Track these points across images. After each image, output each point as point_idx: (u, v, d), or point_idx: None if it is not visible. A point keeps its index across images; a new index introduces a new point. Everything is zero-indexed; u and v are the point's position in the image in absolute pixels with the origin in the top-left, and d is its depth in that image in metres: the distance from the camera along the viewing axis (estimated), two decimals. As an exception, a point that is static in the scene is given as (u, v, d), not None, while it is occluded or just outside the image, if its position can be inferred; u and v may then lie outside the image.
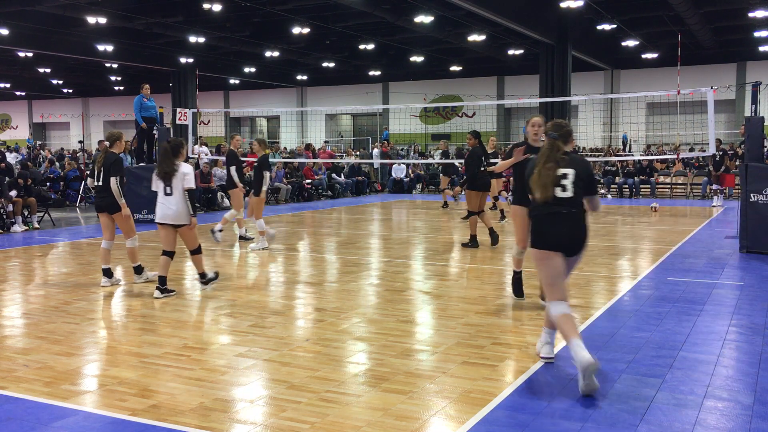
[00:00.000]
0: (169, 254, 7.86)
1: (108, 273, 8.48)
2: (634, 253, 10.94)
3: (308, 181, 22.81)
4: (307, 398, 4.61)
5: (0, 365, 5.37)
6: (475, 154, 11.40)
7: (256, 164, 11.53)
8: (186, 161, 8.20)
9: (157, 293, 7.76)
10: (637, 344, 5.79)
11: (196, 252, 8.00)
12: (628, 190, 22.70)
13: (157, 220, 7.93)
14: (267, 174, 11.32)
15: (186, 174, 7.72)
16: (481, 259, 10.36)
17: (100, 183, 8.38)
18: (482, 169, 11.32)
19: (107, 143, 8.52)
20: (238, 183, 11.86)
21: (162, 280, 7.81)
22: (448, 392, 4.71)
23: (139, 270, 8.67)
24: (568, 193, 5.06)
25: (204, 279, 8.19)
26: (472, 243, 11.40)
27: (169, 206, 7.73)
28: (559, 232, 5.05)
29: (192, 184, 7.76)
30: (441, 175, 20.45)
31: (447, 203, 19.10)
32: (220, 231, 11.77)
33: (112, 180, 8.25)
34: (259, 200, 11.38)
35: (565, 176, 5.06)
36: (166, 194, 7.76)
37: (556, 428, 4.12)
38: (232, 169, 11.89)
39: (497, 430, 4.12)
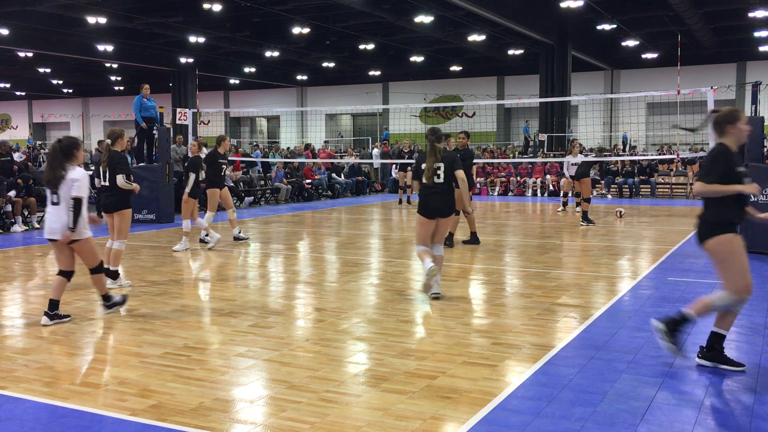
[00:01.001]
0: (66, 274, 6.70)
1: (114, 275, 8.26)
2: (634, 253, 10.94)
3: (308, 181, 22.81)
4: (307, 398, 4.61)
5: (0, 365, 5.37)
6: (469, 154, 11.65)
7: (186, 164, 11.45)
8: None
9: (45, 319, 6.57)
10: (637, 344, 5.79)
11: (95, 271, 6.85)
12: (628, 190, 22.70)
13: (45, 236, 6.84)
14: (193, 176, 11.18)
15: (75, 180, 6.51)
16: (481, 259, 10.36)
17: (107, 182, 8.25)
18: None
19: (109, 141, 8.39)
20: (134, 187, 11.61)
21: (53, 304, 6.64)
22: (448, 392, 4.71)
23: (115, 275, 8.24)
24: (441, 179, 7.61)
25: (108, 302, 7.02)
26: (474, 240, 11.62)
27: (56, 218, 6.59)
28: (436, 204, 7.53)
29: (80, 193, 6.50)
30: (399, 171, 20.81)
31: (402, 200, 20.27)
32: (207, 235, 11.68)
33: (120, 177, 8.10)
34: (185, 200, 11.27)
35: (439, 168, 7.59)
36: (53, 203, 6.64)
37: (556, 428, 4.12)
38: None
39: (497, 430, 4.11)
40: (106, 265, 8.03)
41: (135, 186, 8.37)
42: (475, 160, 23.27)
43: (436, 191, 7.54)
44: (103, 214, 8.53)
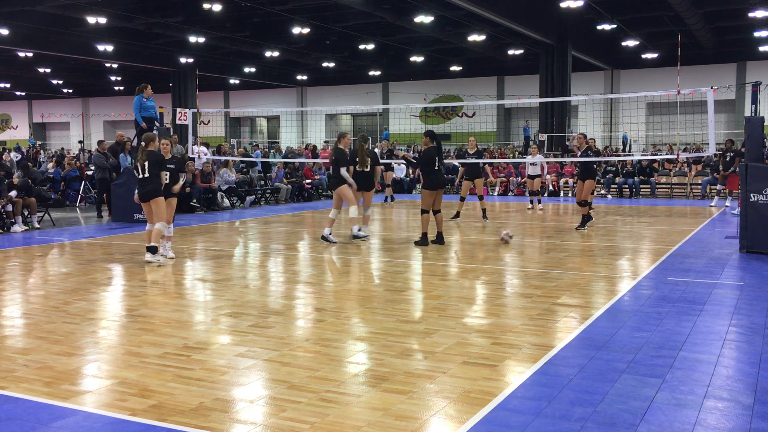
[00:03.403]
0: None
1: (153, 249, 9.75)
2: (634, 253, 10.94)
3: (308, 181, 22.80)
4: (307, 398, 4.61)
5: (0, 365, 5.37)
6: (429, 154, 11.37)
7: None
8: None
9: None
10: (637, 344, 5.79)
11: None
12: (628, 190, 22.70)
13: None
14: (163, 174, 11.39)
15: None
16: (481, 260, 10.36)
17: (147, 175, 9.73)
18: (437, 167, 11.46)
19: (143, 144, 9.98)
20: (351, 182, 11.87)
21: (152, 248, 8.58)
22: (448, 392, 4.71)
23: (154, 250, 9.75)
24: (368, 168, 11.88)
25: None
26: (423, 241, 11.52)
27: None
28: (364, 182, 11.90)
29: None
30: (384, 171, 21.16)
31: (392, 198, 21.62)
32: (360, 231, 12.11)
33: (164, 174, 9.86)
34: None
35: (368, 161, 12.04)
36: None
37: (556, 428, 4.12)
38: (343, 170, 11.73)
39: (497, 430, 4.11)
40: (152, 245, 9.86)
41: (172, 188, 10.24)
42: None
43: (364, 175, 11.92)
44: (140, 202, 10.12)
